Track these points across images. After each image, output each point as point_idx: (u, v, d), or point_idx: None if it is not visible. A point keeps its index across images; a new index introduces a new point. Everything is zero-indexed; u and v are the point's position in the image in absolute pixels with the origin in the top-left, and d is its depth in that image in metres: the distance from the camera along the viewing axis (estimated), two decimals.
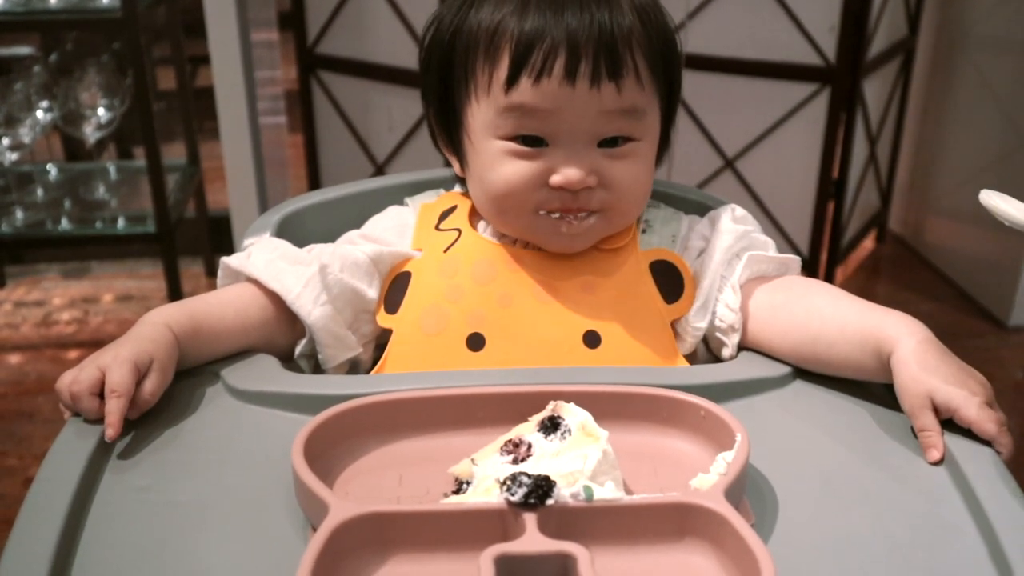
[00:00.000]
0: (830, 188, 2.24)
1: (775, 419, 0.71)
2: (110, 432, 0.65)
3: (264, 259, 0.81)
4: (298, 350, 0.80)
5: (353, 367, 0.83)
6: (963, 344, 2.18)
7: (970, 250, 2.51)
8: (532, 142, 0.76)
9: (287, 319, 0.80)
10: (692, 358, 0.81)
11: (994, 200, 0.69)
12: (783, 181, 2.27)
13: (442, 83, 0.82)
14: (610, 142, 0.77)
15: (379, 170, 2.42)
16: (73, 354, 2.25)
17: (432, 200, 0.89)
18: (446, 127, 0.84)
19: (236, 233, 2.24)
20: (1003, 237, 2.37)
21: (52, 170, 2.35)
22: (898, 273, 2.63)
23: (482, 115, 0.78)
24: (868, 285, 2.58)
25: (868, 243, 2.75)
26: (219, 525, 0.60)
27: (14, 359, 2.24)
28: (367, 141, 2.41)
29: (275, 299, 0.79)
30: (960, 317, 2.34)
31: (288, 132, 2.65)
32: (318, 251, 0.83)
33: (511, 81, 0.75)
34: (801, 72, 2.22)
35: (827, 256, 2.33)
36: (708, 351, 0.83)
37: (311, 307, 0.78)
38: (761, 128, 2.27)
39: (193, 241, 2.51)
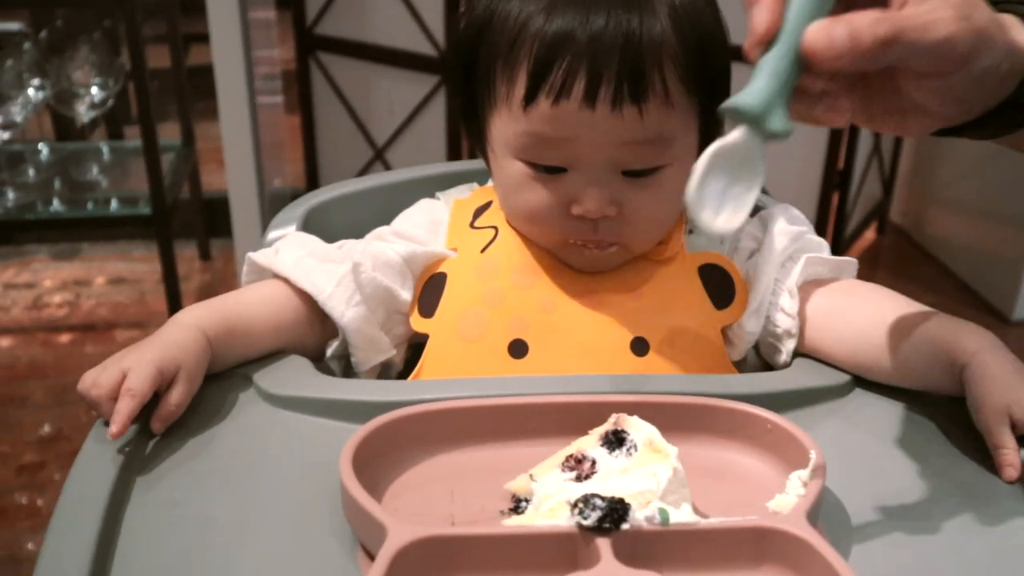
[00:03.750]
0: (835, 179, 2.22)
1: (836, 431, 0.67)
2: (113, 429, 0.61)
3: (293, 256, 0.77)
4: (330, 351, 0.76)
5: (384, 369, 0.80)
6: None
7: (972, 242, 2.49)
8: (552, 169, 0.72)
9: (318, 319, 0.76)
10: (741, 365, 0.78)
11: None
12: (788, 171, 2.24)
13: (466, 82, 0.76)
14: (636, 172, 0.72)
15: (378, 154, 2.38)
16: (65, 338, 2.20)
17: (465, 196, 0.85)
18: (471, 127, 0.79)
19: (234, 216, 2.19)
20: (1006, 229, 2.35)
21: (44, 150, 2.29)
22: (899, 265, 2.61)
23: (501, 129, 0.73)
24: (869, 277, 2.50)
25: (869, 234, 2.73)
26: (260, 543, 0.57)
27: (4, 342, 2.19)
28: (367, 124, 2.37)
29: (305, 298, 0.75)
30: (962, 310, 2.32)
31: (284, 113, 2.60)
32: (349, 248, 0.79)
33: (529, 99, 0.69)
34: None
35: (831, 247, 2.31)
36: (758, 357, 0.79)
37: (344, 308, 0.74)
38: None
39: (186, 224, 2.46)
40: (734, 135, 0.52)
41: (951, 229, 2.58)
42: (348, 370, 0.79)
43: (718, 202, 0.52)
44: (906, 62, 0.52)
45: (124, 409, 0.62)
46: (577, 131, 0.69)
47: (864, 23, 0.50)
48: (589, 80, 0.68)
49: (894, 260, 2.65)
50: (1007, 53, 0.55)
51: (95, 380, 0.64)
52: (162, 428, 0.65)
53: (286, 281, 0.76)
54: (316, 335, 0.77)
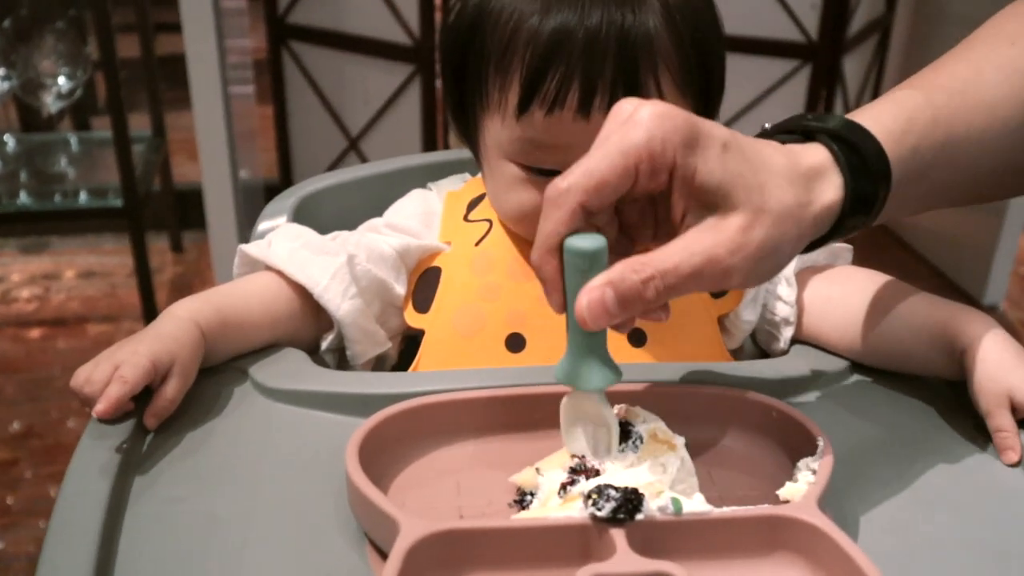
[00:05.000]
0: None
1: (836, 417, 0.67)
2: (99, 407, 0.61)
3: (287, 248, 0.75)
4: (324, 344, 0.75)
5: (379, 362, 0.79)
6: None
7: (944, 229, 2.52)
8: (545, 171, 0.70)
9: (312, 312, 0.75)
10: (737, 353, 0.78)
11: None
12: None
13: (456, 80, 0.75)
14: None
15: (352, 144, 2.36)
16: (35, 332, 2.16)
17: (458, 187, 0.84)
18: (461, 125, 0.78)
19: (208, 208, 2.16)
20: (976, 216, 2.38)
21: (9, 141, 2.25)
22: (873, 253, 2.64)
23: (494, 132, 0.72)
24: None
25: None
26: (265, 539, 0.56)
27: None
28: (340, 114, 2.35)
29: (300, 291, 0.74)
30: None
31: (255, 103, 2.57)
32: (343, 240, 0.78)
33: (523, 108, 0.68)
34: (783, 48, 2.20)
35: None
36: (755, 345, 0.79)
37: (340, 300, 0.74)
38: (740, 105, 2.25)
39: (156, 216, 2.43)
40: (569, 394, 0.58)
41: (923, 216, 2.61)
42: (342, 363, 0.78)
43: (592, 443, 0.57)
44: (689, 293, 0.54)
45: (113, 392, 0.61)
46: (571, 139, 0.68)
47: (632, 284, 0.51)
48: (583, 90, 0.66)
49: (868, 248, 2.67)
50: (813, 226, 0.55)
51: (88, 376, 0.63)
52: (156, 423, 0.64)
53: (280, 274, 0.75)
54: (311, 328, 0.76)
